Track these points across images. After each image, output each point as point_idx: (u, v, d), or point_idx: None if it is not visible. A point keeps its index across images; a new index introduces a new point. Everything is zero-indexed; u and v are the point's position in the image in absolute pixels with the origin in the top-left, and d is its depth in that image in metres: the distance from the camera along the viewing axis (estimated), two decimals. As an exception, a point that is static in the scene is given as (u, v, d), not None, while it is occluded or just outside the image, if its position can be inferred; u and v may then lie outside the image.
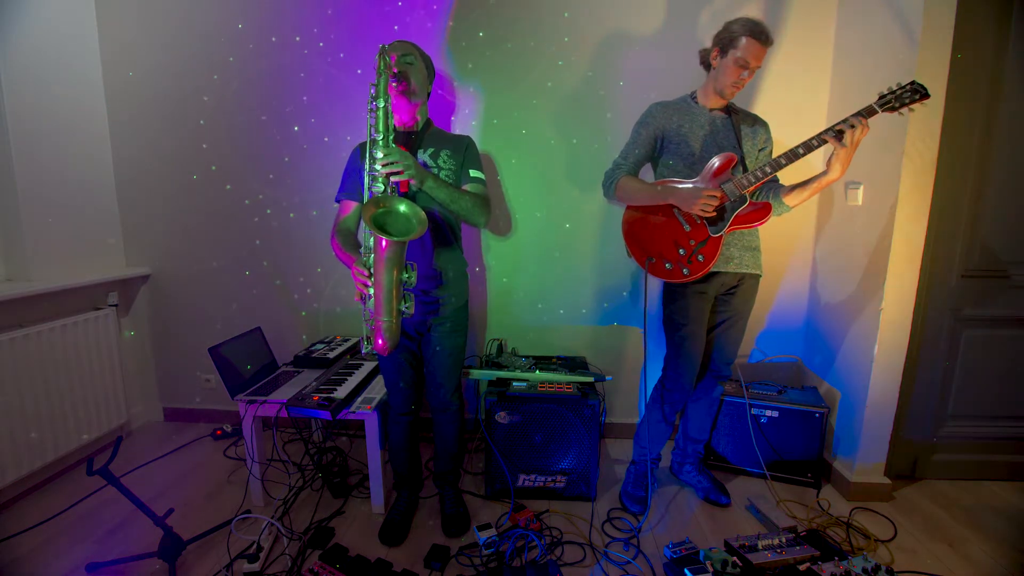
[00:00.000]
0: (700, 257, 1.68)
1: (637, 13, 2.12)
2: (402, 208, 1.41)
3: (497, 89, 2.21)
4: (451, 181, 1.61)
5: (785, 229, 2.24)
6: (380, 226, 1.37)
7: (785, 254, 2.28)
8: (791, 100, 2.13)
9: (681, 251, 1.70)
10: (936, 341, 1.98)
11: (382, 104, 1.42)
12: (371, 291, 1.43)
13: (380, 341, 1.44)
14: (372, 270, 1.42)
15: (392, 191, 1.46)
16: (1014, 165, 1.86)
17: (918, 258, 1.82)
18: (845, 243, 2.06)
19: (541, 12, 2.14)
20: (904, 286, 1.83)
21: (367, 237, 1.45)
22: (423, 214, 1.42)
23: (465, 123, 2.24)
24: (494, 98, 2.22)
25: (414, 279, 1.46)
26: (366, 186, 1.48)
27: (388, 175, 1.43)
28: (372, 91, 1.45)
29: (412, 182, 1.46)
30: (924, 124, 1.72)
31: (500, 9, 2.14)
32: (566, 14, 2.13)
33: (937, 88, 1.70)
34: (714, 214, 1.64)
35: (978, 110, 1.82)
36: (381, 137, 1.43)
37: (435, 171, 1.58)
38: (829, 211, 2.17)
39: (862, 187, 1.94)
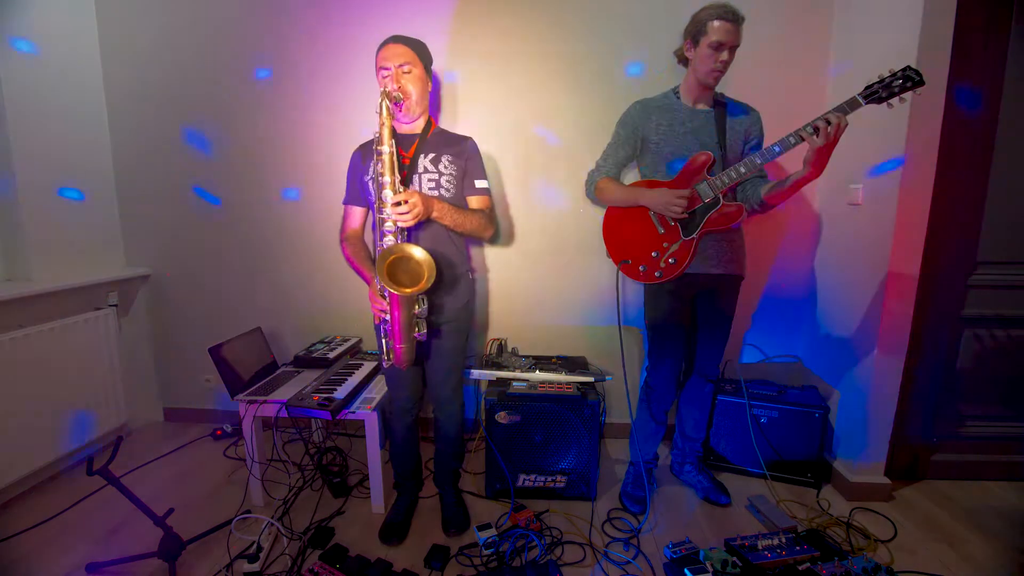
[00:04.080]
0: (672, 260, 1.67)
1: (635, 12, 2.12)
2: (417, 255, 1.45)
3: (497, 90, 2.21)
4: (451, 187, 1.61)
5: (785, 229, 2.24)
6: (392, 275, 1.43)
7: (785, 254, 2.28)
8: (789, 95, 2.12)
9: (654, 254, 1.69)
10: (936, 341, 1.98)
11: (387, 150, 1.43)
12: (388, 317, 1.52)
13: (398, 358, 1.58)
14: (388, 302, 1.47)
15: (403, 232, 1.50)
16: (1015, 164, 1.85)
17: (918, 258, 1.82)
18: (845, 243, 2.06)
19: (542, 13, 2.14)
20: (904, 286, 1.83)
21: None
22: (433, 264, 1.44)
23: (465, 125, 2.24)
24: (495, 100, 2.22)
25: (426, 310, 1.55)
26: (377, 223, 1.52)
27: (397, 221, 1.47)
28: (375, 136, 1.46)
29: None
30: (924, 122, 1.72)
31: (502, 8, 2.15)
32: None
33: (938, 85, 1.70)
34: (686, 216, 1.63)
35: (979, 107, 1.81)
36: (389, 181, 1.44)
37: (435, 177, 1.58)
38: (829, 211, 2.17)
39: (862, 187, 1.94)
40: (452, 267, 1.65)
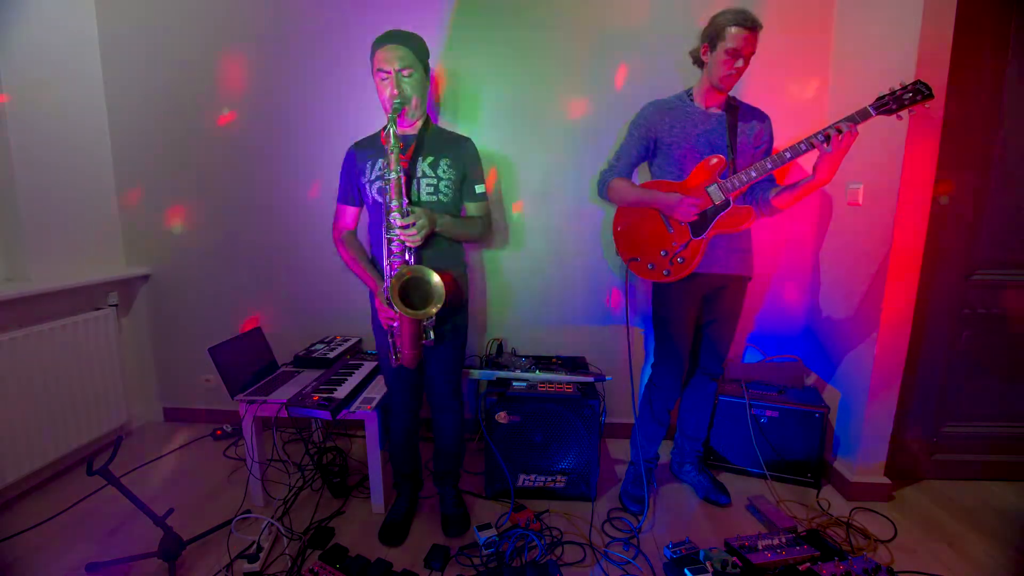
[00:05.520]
0: (681, 259, 1.69)
1: (635, 13, 2.12)
2: (433, 280, 1.47)
3: (499, 88, 2.21)
4: (450, 192, 1.60)
5: (785, 229, 2.24)
6: (404, 294, 1.47)
7: (785, 254, 2.28)
8: (790, 99, 2.13)
9: (663, 253, 1.71)
10: (936, 341, 1.98)
11: (394, 176, 1.43)
12: (396, 324, 1.55)
13: (406, 359, 1.60)
14: (397, 311, 1.48)
15: (410, 250, 1.51)
16: (1015, 164, 1.85)
17: (918, 258, 1.82)
18: (845, 243, 2.06)
19: (543, 13, 2.14)
20: (904, 286, 1.83)
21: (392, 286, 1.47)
22: (444, 293, 1.46)
23: (465, 122, 2.24)
24: (496, 98, 2.22)
25: (434, 319, 1.56)
26: (384, 249, 1.51)
27: (405, 241, 1.47)
28: (383, 163, 1.47)
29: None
30: (924, 123, 1.72)
31: (503, 8, 2.15)
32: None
33: (937, 86, 1.69)
34: (696, 218, 1.64)
35: (979, 108, 1.82)
36: (397, 204, 1.45)
37: (434, 182, 1.57)
38: (829, 211, 2.17)
39: (862, 187, 1.94)
40: (449, 270, 1.64)
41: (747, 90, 2.12)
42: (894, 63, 1.77)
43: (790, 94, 2.13)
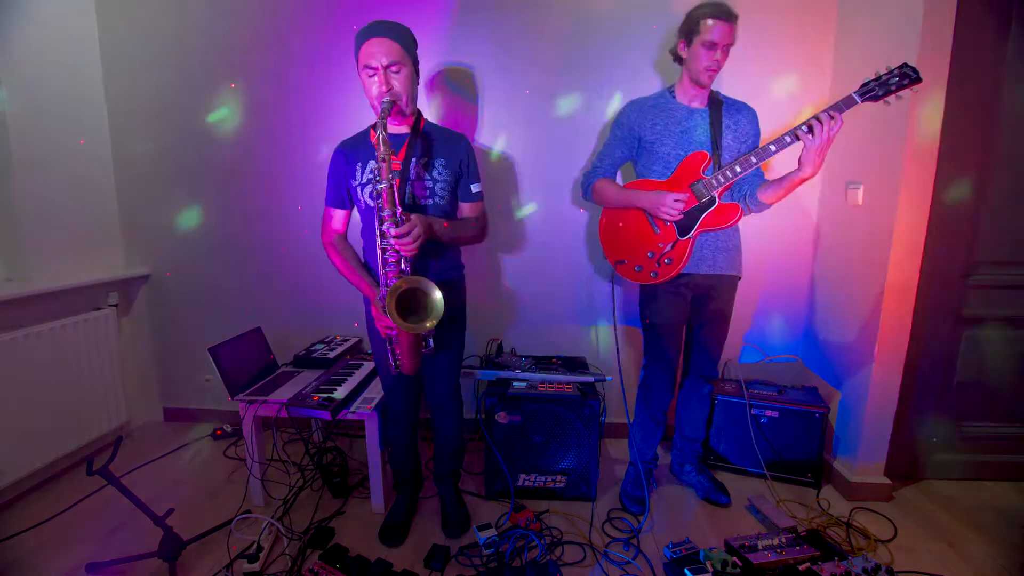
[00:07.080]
0: (668, 260, 1.67)
1: (632, 13, 2.12)
2: (433, 295, 1.41)
3: (499, 88, 2.21)
4: (445, 194, 1.56)
5: (785, 229, 2.24)
6: (401, 305, 1.40)
7: (785, 254, 2.28)
8: (789, 95, 2.12)
9: (649, 254, 1.69)
10: (936, 341, 1.98)
11: (385, 185, 1.37)
12: (394, 333, 1.51)
13: (407, 367, 1.56)
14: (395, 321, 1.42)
15: (406, 260, 1.45)
16: (1015, 164, 1.85)
17: (918, 258, 1.82)
18: (845, 243, 2.06)
19: (546, 16, 2.14)
20: (904, 286, 1.83)
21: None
22: (443, 307, 1.41)
23: (464, 123, 2.24)
24: (495, 98, 2.22)
25: (433, 328, 1.50)
26: (379, 258, 1.46)
27: (400, 249, 1.41)
28: (374, 171, 1.41)
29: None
30: (924, 122, 1.72)
31: (504, 10, 2.14)
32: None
33: (938, 84, 1.69)
34: (682, 217, 1.62)
35: (979, 108, 1.81)
36: (390, 213, 1.39)
37: (430, 184, 1.53)
38: (829, 211, 2.17)
39: (862, 187, 1.94)
40: (446, 274, 1.62)
41: (747, 86, 2.11)
42: (894, 61, 1.76)
43: (790, 91, 2.13)
